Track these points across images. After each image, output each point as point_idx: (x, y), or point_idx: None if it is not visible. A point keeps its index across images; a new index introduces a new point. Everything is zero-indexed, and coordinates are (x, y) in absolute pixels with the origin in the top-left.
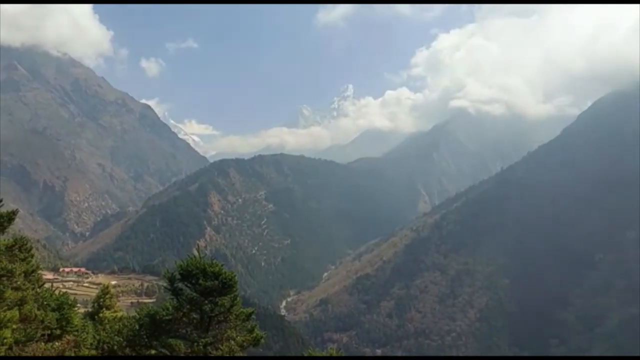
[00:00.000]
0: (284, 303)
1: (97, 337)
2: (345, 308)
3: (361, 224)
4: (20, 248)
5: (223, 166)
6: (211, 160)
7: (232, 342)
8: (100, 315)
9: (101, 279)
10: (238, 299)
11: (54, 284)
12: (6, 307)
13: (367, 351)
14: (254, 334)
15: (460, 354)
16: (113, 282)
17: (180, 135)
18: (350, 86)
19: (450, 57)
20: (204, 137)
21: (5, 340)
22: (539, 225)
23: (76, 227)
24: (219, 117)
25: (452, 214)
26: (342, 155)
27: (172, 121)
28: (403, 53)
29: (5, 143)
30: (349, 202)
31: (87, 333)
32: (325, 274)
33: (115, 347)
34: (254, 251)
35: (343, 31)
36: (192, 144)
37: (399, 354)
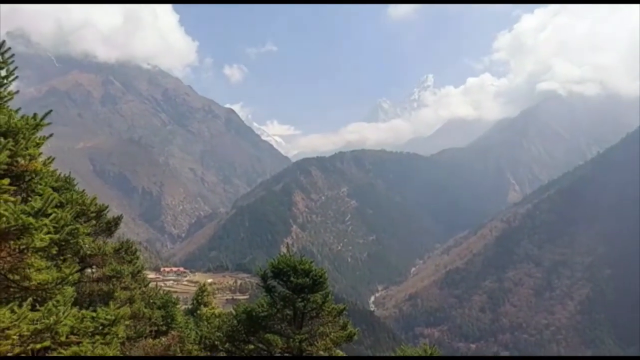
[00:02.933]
0: (372, 298)
1: (199, 333)
2: (436, 302)
3: (448, 216)
4: (126, 251)
5: (305, 165)
6: (293, 160)
7: (327, 339)
8: (199, 312)
9: (198, 277)
10: (329, 295)
11: (157, 283)
12: (118, 306)
13: (461, 346)
14: (348, 331)
15: (561, 349)
16: (209, 280)
17: (263, 137)
18: (430, 76)
19: (535, 39)
20: (285, 137)
21: (119, 336)
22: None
23: (173, 229)
24: (300, 117)
25: (545, 202)
26: (425, 148)
27: (255, 124)
28: (483, 38)
29: (108, 153)
30: (433, 195)
31: (189, 329)
32: (413, 268)
33: (216, 342)
34: (339, 247)
35: (416, 23)
36: (274, 145)
37: (494, 349)
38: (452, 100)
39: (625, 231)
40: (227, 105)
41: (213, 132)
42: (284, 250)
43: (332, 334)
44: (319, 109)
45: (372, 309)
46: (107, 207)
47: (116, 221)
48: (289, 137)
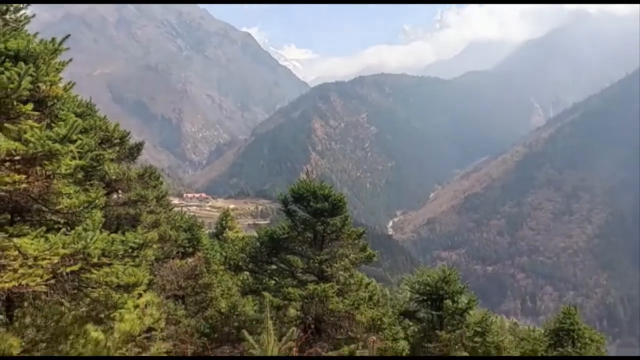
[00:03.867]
0: (390, 223)
1: (224, 254)
2: (454, 227)
3: (468, 142)
4: (150, 176)
5: (324, 91)
6: (312, 85)
7: (346, 260)
8: (224, 235)
9: (220, 203)
10: (348, 219)
11: (181, 209)
12: (145, 229)
13: (478, 268)
14: (367, 252)
15: (578, 271)
16: (231, 206)
17: (281, 62)
18: None
19: None
20: (303, 61)
21: (148, 258)
22: None
23: (194, 156)
24: (318, 41)
25: (569, 126)
26: (447, 71)
27: (272, 48)
28: None
29: (125, 80)
30: (455, 120)
31: (215, 251)
32: (432, 194)
33: (240, 263)
34: (358, 174)
35: None
36: (292, 70)
37: (511, 271)
38: (476, 20)
39: None
40: (244, 29)
41: (230, 58)
42: (303, 177)
43: (352, 255)
44: (337, 32)
45: (390, 234)
46: (129, 133)
47: (138, 147)
48: (307, 62)
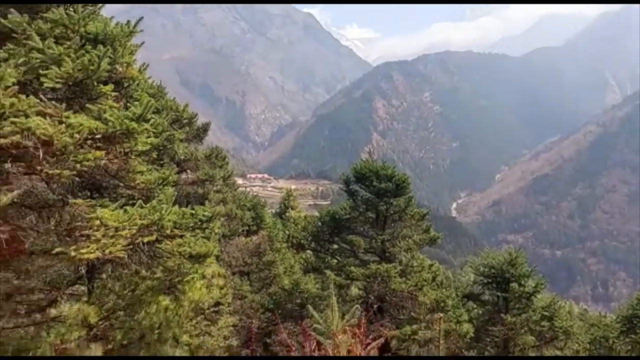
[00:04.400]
0: (454, 205)
1: (287, 233)
2: (521, 209)
3: (538, 121)
4: (216, 156)
5: (386, 70)
6: (374, 65)
7: (409, 240)
8: (287, 214)
9: (282, 183)
10: (412, 199)
11: (245, 188)
12: (213, 205)
13: (546, 252)
14: (431, 234)
15: None
16: (292, 187)
17: (343, 42)
18: None
19: None
20: (365, 41)
21: (215, 232)
22: None
23: (256, 137)
24: (380, 19)
25: None
26: (516, 48)
27: (334, 28)
28: None
29: (192, 64)
30: (523, 99)
31: (277, 229)
32: (498, 175)
33: (303, 242)
34: (421, 155)
35: None
36: (354, 50)
37: (581, 255)
38: None
39: None
40: (306, 10)
41: (292, 39)
42: (365, 157)
43: (415, 236)
44: (400, 10)
45: (453, 215)
46: (196, 114)
47: (205, 128)
48: (369, 41)
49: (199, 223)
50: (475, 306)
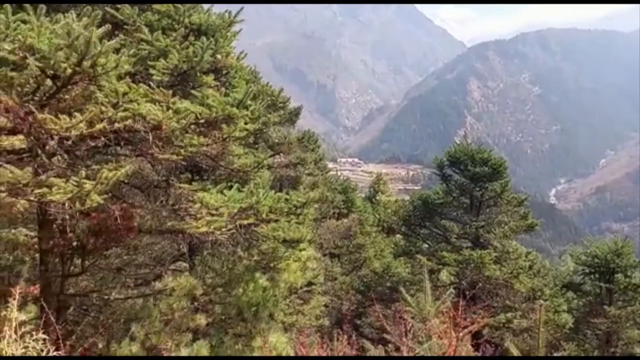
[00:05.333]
0: (553, 191)
1: (377, 217)
2: (627, 197)
3: None
4: (308, 140)
5: (481, 50)
6: (468, 45)
7: (505, 227)
8: (377, 198)
9: (372, 167)
10: (509, 184)
11: (336, 172)
12: (305, 190)
13: None
14: (529, 221)
15: None
16: (383, 171)
17: (436, 23)
18: None
19: None
20: (460, 21)
21: (310, 217)
22: None
23: (347, 121)
24: None
25: None
26: (625, 23)
27: (427, 8)
28: None
29: (285, 49)
30: (632, 78)
31: (368, 213)
32: (603, 160)
33: (393, 226)
34: (518, 138)
35: None
36: (448, 30)
37: None
38: None
39: None
40: None
41: (383, 21)
42: (458, 140)
43: (511, 222)
44: None
45: (552, 202)
46: (288, 98)
47: (297, 111)
48: (464, 20)
49: (293, 209)
50: (575, 296)
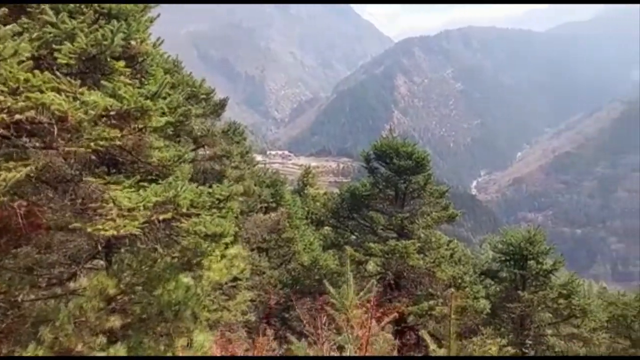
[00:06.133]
0: (474, 183)
1: (306, 210)
2: (541, 188)
3: (561, 98)
4: (234, 132)
5: (407, 45)
6: (396, 40)
7: (428, 218)
8: (306, 191)
9: (302, 160)
10: (432, 177)
11: (265, 165)
12: (230, 183)
13: (566, 231)
14: (450, 211)
15: None
16: (313, 164)
17: (364, 17)
18: None
19: None
20: (387, 15)
21: (234, 210)
22: None
23: (276, 113)
24: None
25: None
26: (541, 22)
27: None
28: None
29: (211, 38)
30: (547, 75)
31: (297, 207)
32: (519, 153)
33: (322, 218)
34: (442, 132)
35: None
36: (376, 25)
37: (602, 234)
38: None
39: None
40: None
41: (312, 14)
42: (385, 134)
43: (434, 213)
44: None
45: (473, 194)
46: (214, 89)
47: (223, 103)
48: (391, 16)
49: (216, 202)
50: (492, 283)
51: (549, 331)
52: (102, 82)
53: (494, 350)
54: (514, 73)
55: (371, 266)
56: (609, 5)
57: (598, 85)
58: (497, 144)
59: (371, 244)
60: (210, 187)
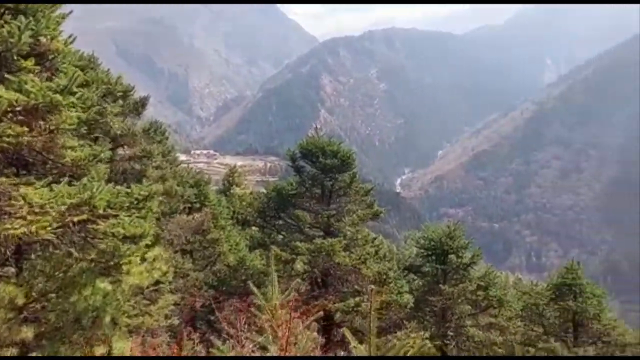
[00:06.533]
0: (398, 181)
1: (232, 210)
2: (461, 184)
3: (479, 98)
4: (155, 131)
5: (332, 45)
6: (321, 40)
7: (354, 215)
8: (232, 191)
9: (228, 159)
10: (357, 175)
11: (189, 165)
12: (150, 183)
13: (484, 225)
14: (374, 209)
15: (583, 228)
16: (239, 163)
17: (289, 16)
18: None
19: None
20: (312, 15)
21: (153, 211)
22: None
23: (201, 112)
24: None
25: (581, 83)
26: (460, 25)
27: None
28: None
29: (131, 34)
30: (466, 76)
31: (222, 207)
32: (441, 151)
33: (248, 218)
34: (367, 131)
35: None
36: (301, 24)
37: (517, 227)
38: None
39: None
40: None
41: (236, 11)
42: (311, 133)
43: (359, 211)
44: None
45: (398, 191)
46: (133, 87)
47: (143, 102)
48: (317, 15)
49: (135, 202)
50: (415, 278)
51: (469, 322)
52: (7, 76)
53: (417, 344)
54: (435, 74)
55: (299, 265)
56: (520, 12)
57: (512, 87)
58: (420, 142)
59: (298, 243)
60: (128, 187)
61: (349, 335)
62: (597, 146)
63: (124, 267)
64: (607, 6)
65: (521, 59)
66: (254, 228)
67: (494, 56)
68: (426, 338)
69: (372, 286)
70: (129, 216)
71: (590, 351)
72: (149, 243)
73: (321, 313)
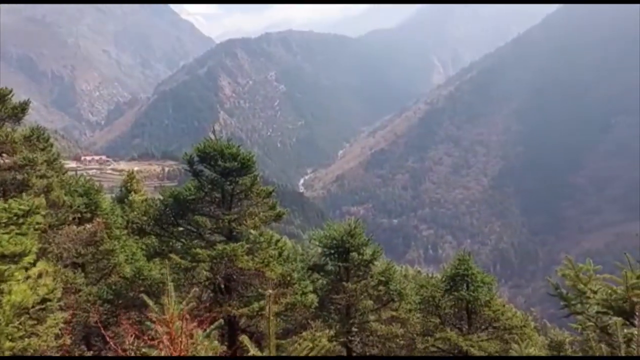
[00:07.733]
0: (301, 181)
1: (126, 218)
2: (361, 183)
3: (375, 99)
4: (38, 138)
5: (230, 47)
6: (217, 42)
7: (256, 218)
8: (130, 199)
9: (123, 165)
10: (258, 178)
11: (78, 172)
12: (34, 194)
13: (384, 222)
14: (277, 210)
15: (474, 220)
16: (135, 168)
17: (182, 16)
18: None
19: None
20: (207, 16)
21: (37, 225)
22: (555, 91)
23: (91, 116)
24: None
25: (467, 84)
26: (354, 28)
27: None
28: None
29: (8, 33)
30: (361, 78)
31: (116, 215)
32: (341, 151)
33: (144, 226)
34: (268, 133)
35: None
36: (196, 25)
37: (414, 222)
38: None
39: (541, 110)
40: None
41: (126, 10)
42: (211, 136)
43: (261, 213)
44: None
45: (301, 191)
46: (10, 90)
47: (23, 106)
48: (212, 16)
49: (14, 218)
50: (319, 277)
51: (372, 317)
52: None
53: (323, 342)
54: (332, 76)
55: (201, 273)
56: (410, 16)
57: (405, 88)
58: (320, 143)
59: (198, 250)
60: (6, 201)
61: (247, 342)
62: (482, 143)
63: (4, 286)
64: (493, 8)
65: (412, 61)
66: (152, 237)
67: (387, 58)
68: (332, 336)
69: (270, 291)
70: (8, 233)
71: (483, 337)
72: (32, 260)
73: (221, 321)
